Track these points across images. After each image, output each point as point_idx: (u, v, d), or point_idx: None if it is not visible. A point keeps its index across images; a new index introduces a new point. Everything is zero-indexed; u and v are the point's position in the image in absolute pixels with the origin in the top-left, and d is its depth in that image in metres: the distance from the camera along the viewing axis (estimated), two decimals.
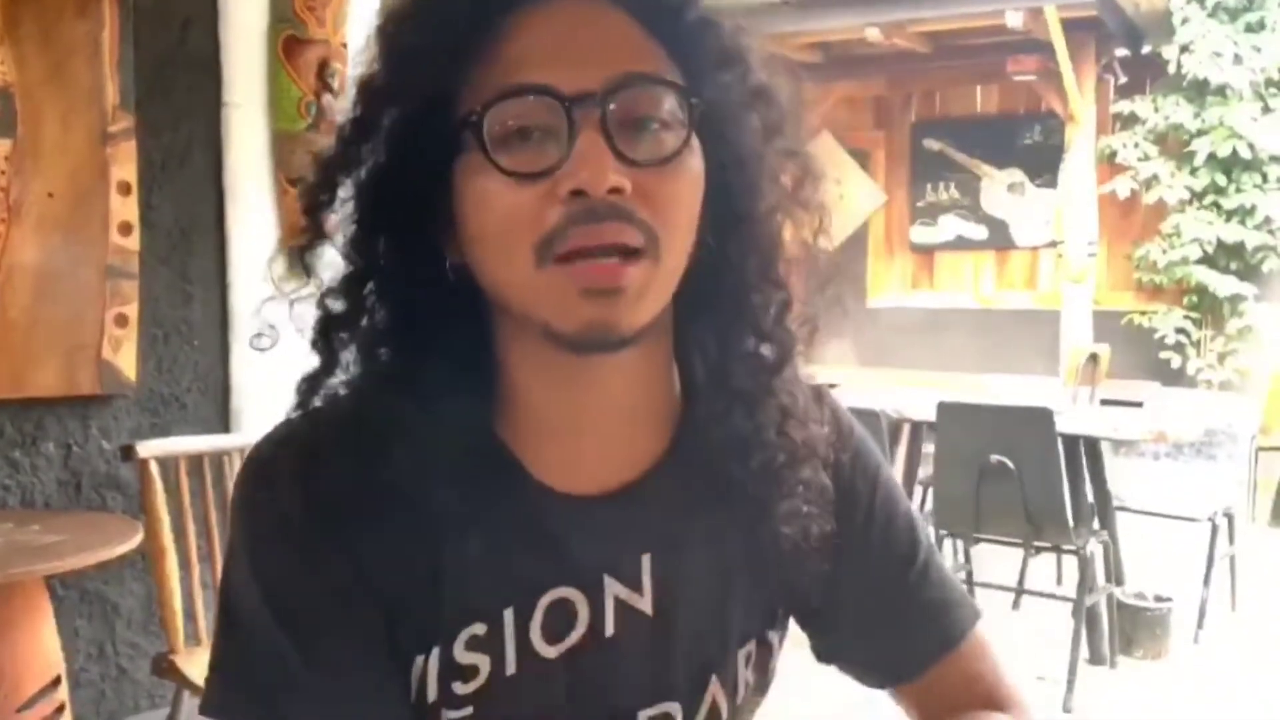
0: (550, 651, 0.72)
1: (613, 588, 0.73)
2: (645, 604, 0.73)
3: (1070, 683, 3.38)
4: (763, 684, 0.81)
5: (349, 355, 0.71)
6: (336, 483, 0.67)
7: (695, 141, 0.66)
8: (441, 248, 0.69)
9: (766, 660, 0.80)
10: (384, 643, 0.70)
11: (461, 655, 0.70)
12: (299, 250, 0.71)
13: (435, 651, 0.70)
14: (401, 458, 0.67)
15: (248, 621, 0.69)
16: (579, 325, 0.64)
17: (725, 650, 0.76)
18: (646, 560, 0.73)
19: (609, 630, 0.72)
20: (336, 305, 0.70)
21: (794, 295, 0.73)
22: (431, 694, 0.70)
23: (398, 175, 0.67)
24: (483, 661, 0.70)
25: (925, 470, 4.22)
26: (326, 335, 0.70)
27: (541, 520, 0.72)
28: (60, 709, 2.26)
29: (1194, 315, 7.32)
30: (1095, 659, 3.69)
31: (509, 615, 0.71)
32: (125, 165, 2.81)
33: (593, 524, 0.72)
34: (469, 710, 0.71)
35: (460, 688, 0.70)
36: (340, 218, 0.69)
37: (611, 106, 0.63)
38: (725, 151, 0.69)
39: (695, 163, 0.67)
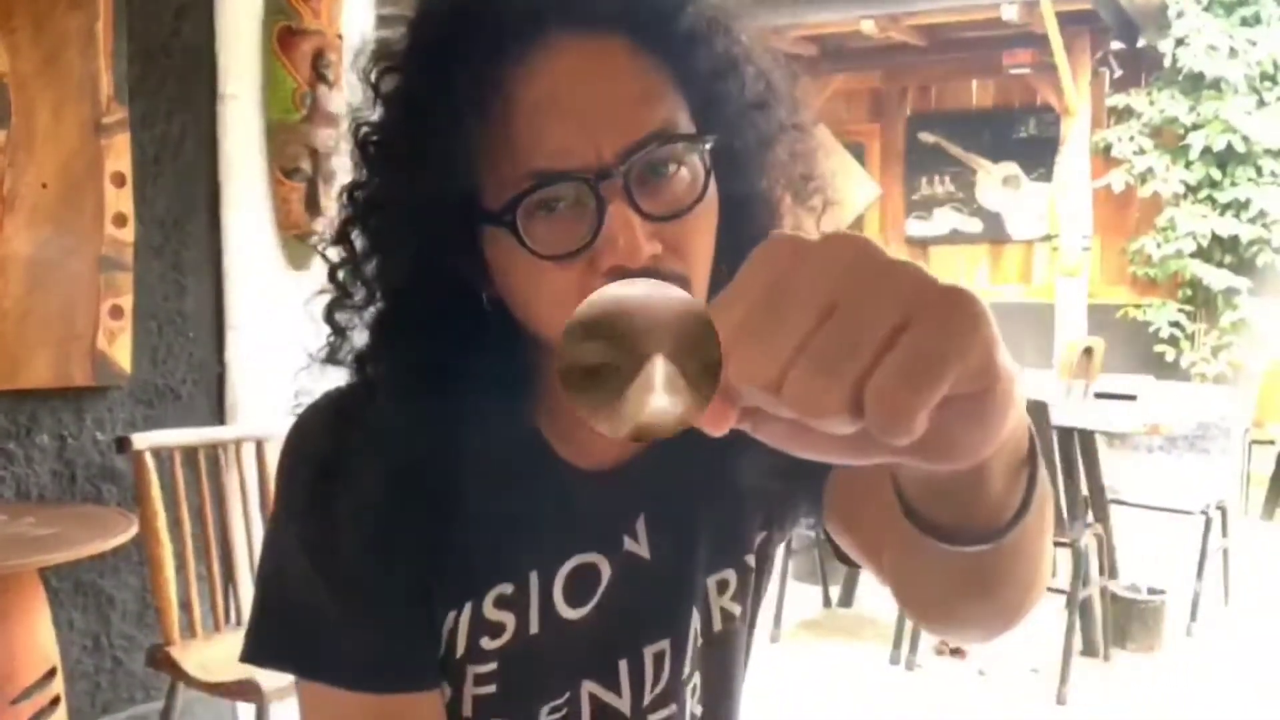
0: (572, 614, 0.78)
1: (629, 545, 0.80)
2: (644, 550, 0.81)
3: (1064, 675, 3.40)
4: (744, 612, 0.85)
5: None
6: (378, 454, 0.69)
7: (711, 182, 0.67)
8: (474, 284, 0.70)
9: (746, 585, 0.85)
10: (420, 600, 0.74)
11: (490, 612, 0.76)
12: (325, 306, 0.72)
13: (467, 607, 0.76)
14: (442, 436, 0.69)
15: (290, 575, 0.73)
16: None
17: (697, 586, 0.83)
18: (642, 513, 0.81)
19: (621, 580, 0.79)
20: (366, 337, 0.71)
21: None
22: (460, 649, 0.76)
23: (418, 248, 0.67)
24: (509, 619, 0.77)
25: None
26: (360, 364, 0.72)
27: (568, 494, 0.78)
28: (55, 701, 2.26)
29: (1188, 309, 7.34)
30: (1089, 651, 3.71)
31: (534, 577, 0.77)
32: (119, 156, 2.79)
33: (609, 493, 0.79)
34: (494, 665, 0.76)
35: (488, 643, 0.76)
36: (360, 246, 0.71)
37: (633, 172, 0.64)
38: (728, 153, 0.70)
39: (711, 196, 0.68)
